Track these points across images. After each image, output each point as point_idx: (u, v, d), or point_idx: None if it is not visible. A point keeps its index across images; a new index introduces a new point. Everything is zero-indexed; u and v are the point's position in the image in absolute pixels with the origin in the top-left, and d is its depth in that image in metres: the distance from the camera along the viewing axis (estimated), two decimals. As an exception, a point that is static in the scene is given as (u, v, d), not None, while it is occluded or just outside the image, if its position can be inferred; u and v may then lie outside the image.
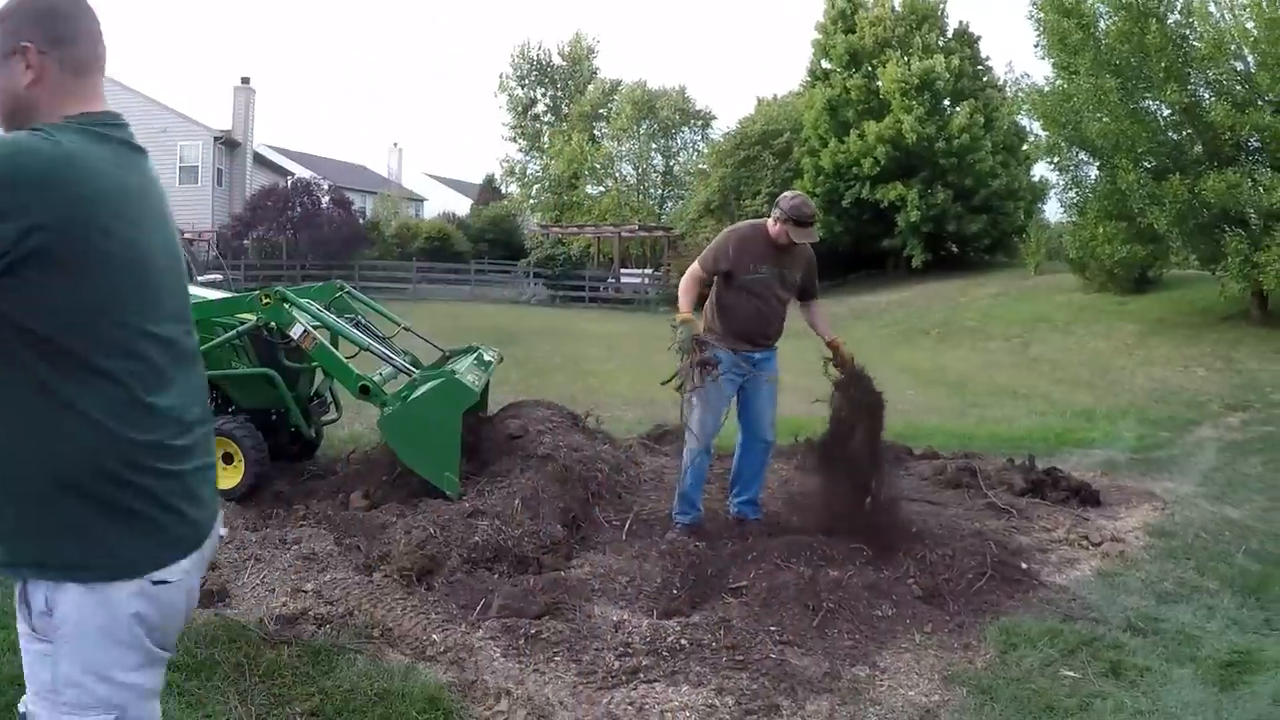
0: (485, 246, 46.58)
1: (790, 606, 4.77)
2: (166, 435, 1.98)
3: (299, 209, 35.08)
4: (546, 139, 58.48)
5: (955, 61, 35.09)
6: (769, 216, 5.90)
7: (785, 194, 5.98)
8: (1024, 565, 5.64)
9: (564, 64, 60.58)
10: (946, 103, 35.82)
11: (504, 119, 61.74)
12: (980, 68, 37.52)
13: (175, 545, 2.02)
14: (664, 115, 51.25)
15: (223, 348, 6.72)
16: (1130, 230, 20.20)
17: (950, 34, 37.88)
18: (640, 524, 6.13)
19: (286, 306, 6.47)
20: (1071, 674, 4.24)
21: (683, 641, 4.42)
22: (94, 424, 1.88)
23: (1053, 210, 34.57)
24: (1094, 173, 21.58)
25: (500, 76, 62.68)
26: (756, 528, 6.00)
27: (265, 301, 6.46)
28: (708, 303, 6.13)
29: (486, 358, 7.66)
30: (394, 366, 6.78)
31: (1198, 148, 19.86)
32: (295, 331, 6.42)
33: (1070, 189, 22.54)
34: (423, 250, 41.44)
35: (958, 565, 5.38)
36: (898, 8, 37.47)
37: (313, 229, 34.71)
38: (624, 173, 54.06)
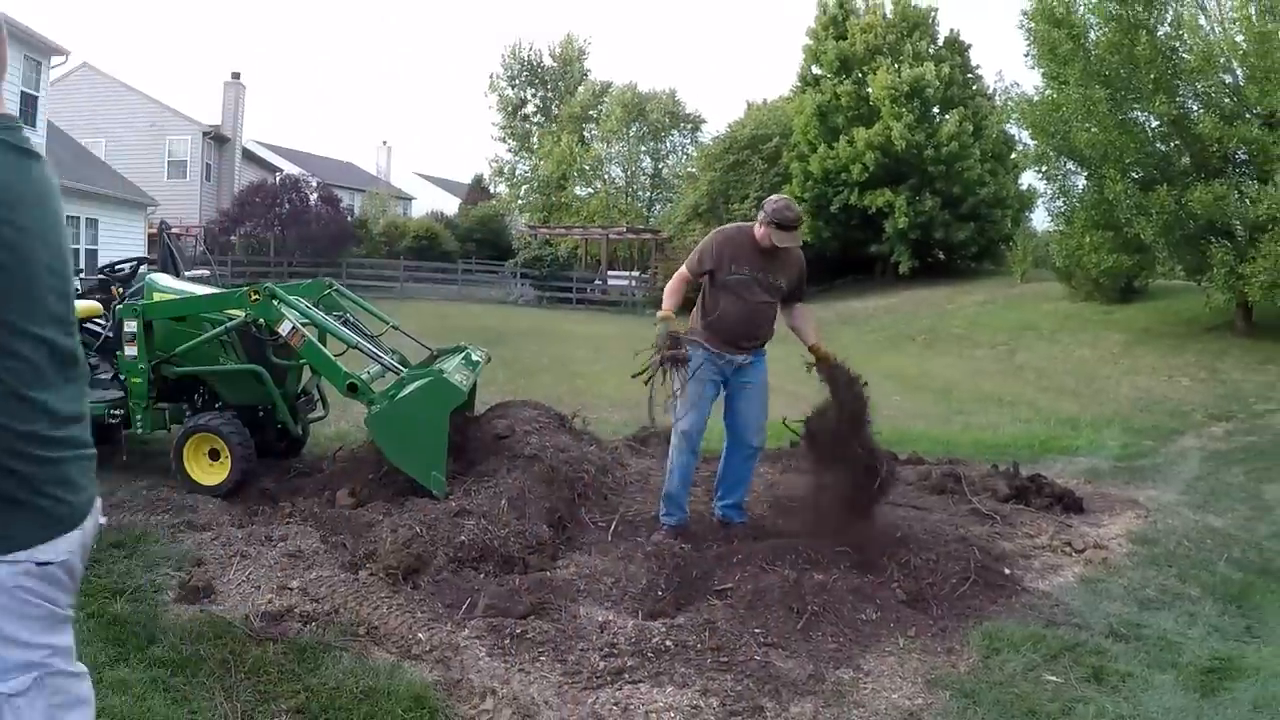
0: (473, 246, 46.51)
1: (775, 609, 4.79)
2: (42, 427, 2.11)
3: (287, 206, 34.99)
4: (536, 140, 58.40)
5: (945, 69, 35.19)
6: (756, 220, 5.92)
7: (771, 197, 5.99)
8: (1007, 571, 5.67)
9: (555, 65, 60.53)
10: (936, 110, 35.92)
11: (494, 119, 61.57)
12: (970, 76, 37.62)
13: (54, 526, 2.15)
14: (654, 118, 51.29)
15: (211, 343, 6.71)
16: (1117, 240, 20.29)
17: (941, 42, 37.98)
18: (626, 525, 6.14)
19: (275, 303, 6.47)
20: (1054, 679, 4.27)
21: (668, 643, 4.43)
22: None
23: (1040, 219, 34.61)
24: (1082, 182, 21.66)
25: (491, 76, 62.71)
26: (742, 530, 6.02)
27: (254, 298, 6.46)
28: (695, 305, 6.14)
29: (474, 357, 7.65)
30: (382, 365, 6.78)
31: (1185, 159, 19.96)
32: (284, 328, 6.42)
33: (1058, 198, 22.62)
34: (410, 249, 41.36)
35: (942, 570, 5.40)
36: (889, 15, 37.56)
37: (300, 226, 34.62)
38: (613, 175, 54.10)
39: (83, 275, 9.76)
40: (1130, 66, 18.83)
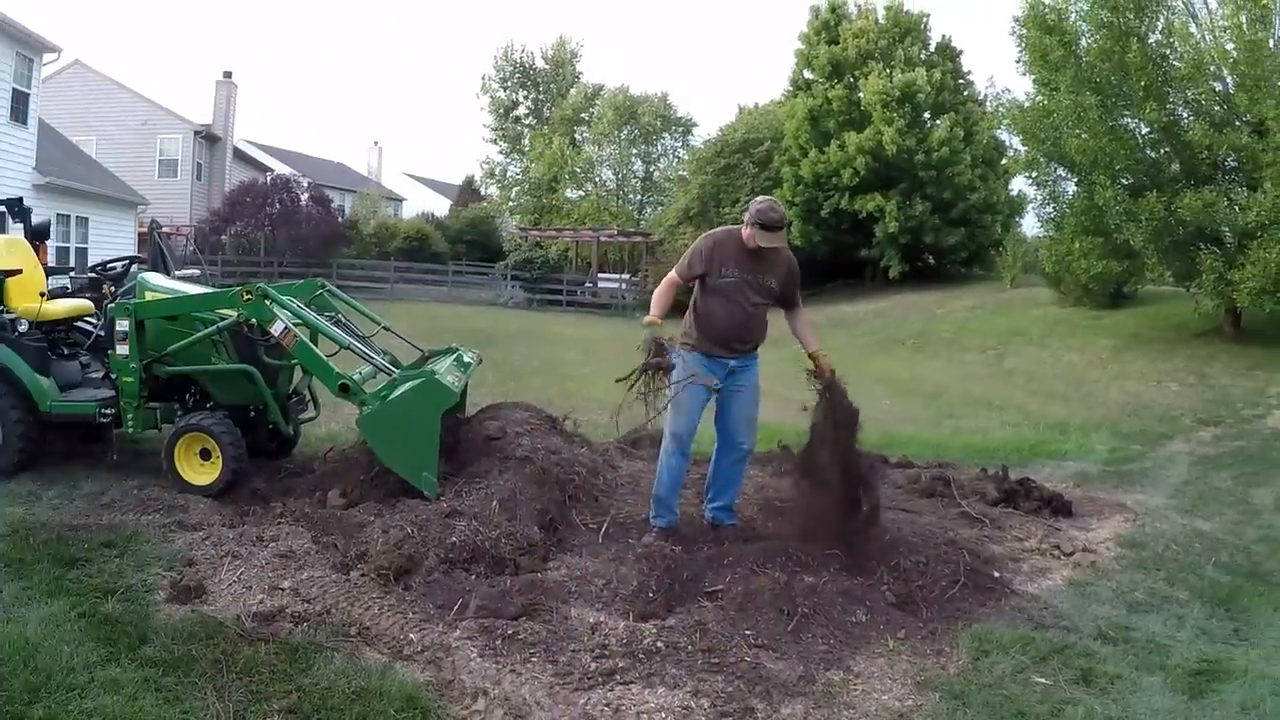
0: (463, 248, 46.43)
1: (765, 611, 4.82)
2: None
3: (278, 206, 34.94)
4: (527, 142, 58.38)
5: (937, 75, 35.24)
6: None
7: (756, 199, 6.00)
8: (996, 574, 5.70)
9: (547, 67, 60.50)
10: (927, 115, 35.96)
11: (485, 121, 61.56)
12: (961, 82, 37.69)
13: None
14: (645, 121, 51.27)
15: (203, 343, 6.71)
16: (1106, 246, 20.35)
17: (933, 47, 38.04)
18: (617, 527, 6.15)
19: (268, 303, 6.47)
20: (1043, 681, 4.29)
21: (659, 644, 4.45)
22: None
23: (1030, 224, 34.72)
24: (1072, 188, 21.71)
25: (483, 78, 62.52)
26: (732, 533, 6.03)
27: (247, 298, 6.46)
28: (688, 308, 6.14)
29: (466, 359, 7.65)
30: (374, 366, 6.77)
31: (1175, 166, 20.02)
32: (276, 328, 6.42)
33: (1048, 204, 22.65)
34: (401, 250, 41.29)
35: (931, 573, 5.43)
36: (881, 20, 37.62)
37: (291, 226, 34.57)
38: (604, 177, 54.06)
39: (73, 274, 9.72)
40: (1121, 73, 18.89)
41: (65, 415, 6.90)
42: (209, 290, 7.39)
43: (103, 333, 7.44)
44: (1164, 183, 19.14)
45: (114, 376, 6.82)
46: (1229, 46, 18.55)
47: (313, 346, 6.57)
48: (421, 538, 5.34)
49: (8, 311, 7.07)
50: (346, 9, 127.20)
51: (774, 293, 6.01)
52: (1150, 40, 19.37)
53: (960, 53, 38.43)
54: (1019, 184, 32.15)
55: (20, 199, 8.56)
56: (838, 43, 37.30)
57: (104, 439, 7.22)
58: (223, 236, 35.07)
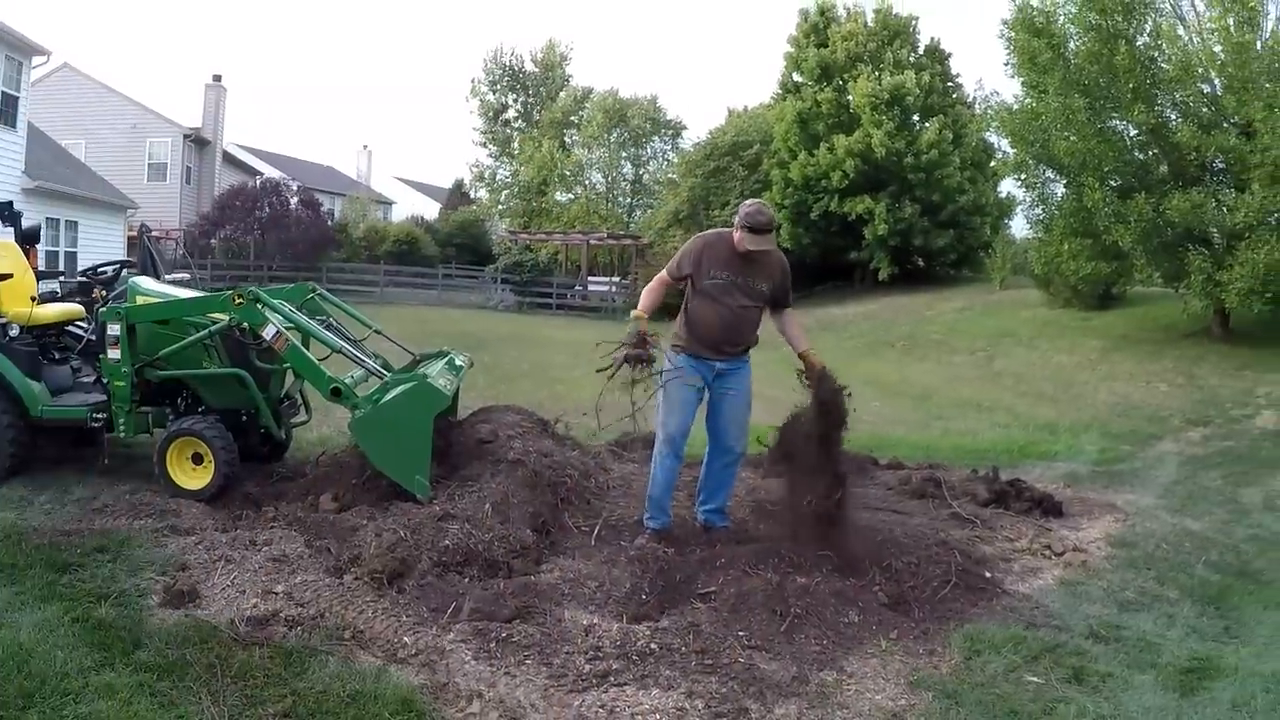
0: (453, 251, 46.42)
1: (758, 612, 4.83)
2: None
3: (267, 209, 34.90)
4: (517, 145, 58.39)
5: (926, 77, 35.33)
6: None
7: (745, 202, 6.01)
8: (988, 574, 5.72)
9: (536, 70, 60.54)
10: (916, 118, 36.05)
11: (475, 124, 61.59)
12: (950, 84, 37.79)
13: None
14: (635, 124, 51.33)
15: (194, 347, 6.70)
16: (1095, 247, 20.40)
17: (921, 50, 38.14)
18: (609, 529, 6.16)
19: (259, 307, 6.47)
20: (1035, 679, 4.31)
21: (652, 646, 4.46)
22: None
23: (1019, 226, 34.87)
24: (1060, 190, 21.75)
25: (472, 81, 62.54)
26: (725, 535, 6.03)
27: (238, 302, 6.46)
28: (679, 311, 6.15)
29: (458, 362, 7.65)
30: (365, 369, 6.77)
31: (1163, 167, 20.09)
32: (268, 332, 6.42)
33: (1037, 206, 22.70)
34: (390, 254, 41.25)
35: (923, 573, 5.45)
36: (870, 23, 37.70)
37: (280, 230, 34.52)
38: (593, 180, 54.13)
39: (63, 278, 9.70)
40: (1109, 76, 18.96)
41: (56, 420, 6.88)
42: (201, 294, 7.39)
43: (94, 337, 7.42)
44: (1152, 184, 19.21)
45: (105, 381, 6.81)
46: (1217, 49, 18.64)
47: (304, 350, 6.56)
48: (414, 541, 5.34)
49: (-1, 316, 7.07)
50: (335, 13, 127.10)
51: (764, 296, 6.00)
52: (1138, 43, 19.44)
53: (949, 55, 38.55)
54: (1008, 186, 32.27)
55: (10, 203, 8.53)
56: (827, 45, 37.39)
57: (95, 444, 7.21)
58: (212, 240, 35.02)
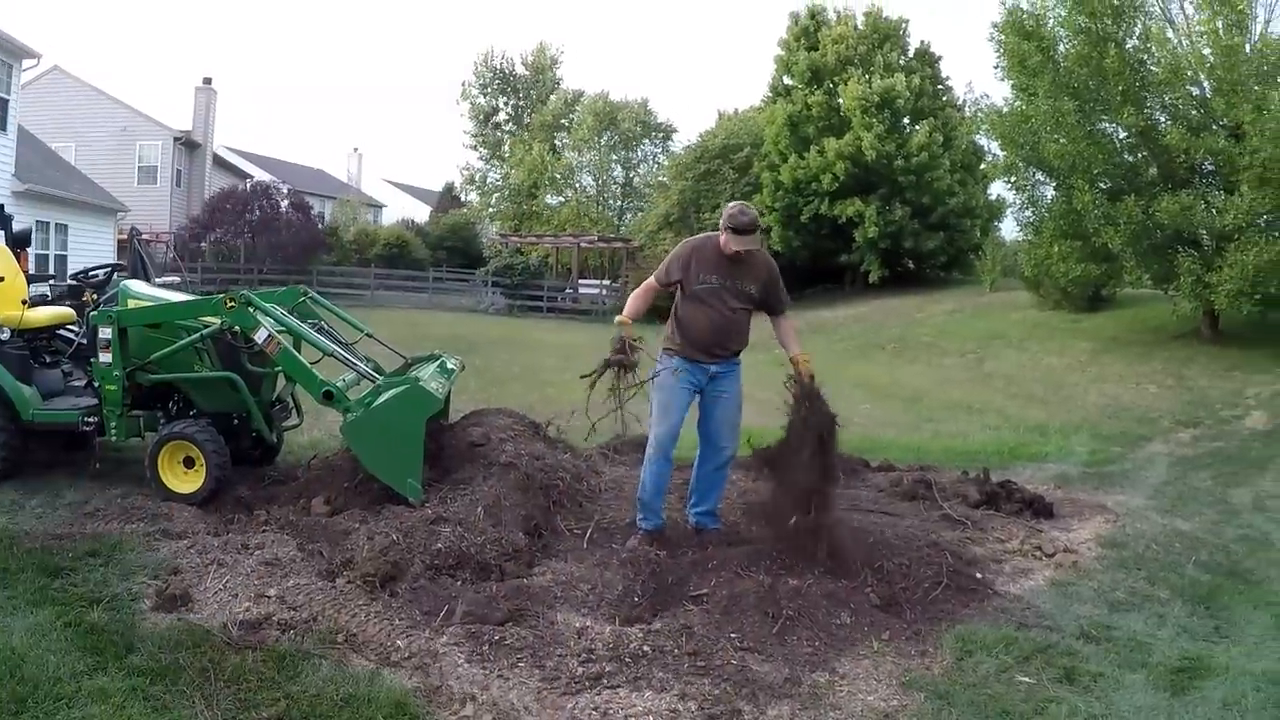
0: (444, 254, 46.33)
1: (750, 614, 4.83)
2: None
3: (258, 212, 34.82)
4: (507, 148, 58.30)
5: (916, 80, 35.43)
6: None
7: (729, 204, 6.02)
8: (979, 575, 5.74)
9: (527, 73, 60.45)
10: (906, 121, 36.13)
11: (465, 127, 61.55)
12: (940, 87, 37.88)
13: None
14: (625, 127, 51.27)
15: (186, 350, 6.69)
16: (1085, 249, 20.47)
17: (911, 53, 38.24)
18: (601, 532, 6.17)
19: (251, 310, 6.46)
20: (1026, 680, 4.33)
21: (645, 648, 4.47)
22: None
23: (1009, 229, 34.84)
24: (1050, 192, 21.82)
25: (463, 84, 62.38)
26: (716, 537, 6.04)
27: (230, 305, 6.45)
28: (670, 315, 6.16)
29: (449, 365, 7.66)
30: (357, 373, 6.77)
31: (1153, 170, 20.18)
32: (259, 336, 6.41)
33: (1027, 208, 22.76)
34: (381, 257, 41.15)
35: (914, 575, 5.47)
36: (860, 26, 37.79)
37: (271, 233, 34.44)
38: (584, 183, 54.03)
39: (54, 282, 9.69)
40: (1099, 79, 19.04)
41: (48, 424, 6.87)
42: (192, 298, 7.38)
43: (85, 341, 7.41)
44: (1142, 186, 19.29)
45: (97, 385, 6.80)
46: (1206, 51, 18.73)
47: (296, 354, 6.56)
48: (407, 544, 5.34)
49: (-11, 320, 7.05)
50: (326, 16, 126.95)
51: (754, 298, 6.01)
52: (1128, 45, 19.52)
53: (939, 58, 38.68)
54: (998, 188, 32.46)
55: (0, 206, 8.52)
56: (817, 49, 37.48)
57: (87, 448, 7.19)
58: (202, 243, 34.91)
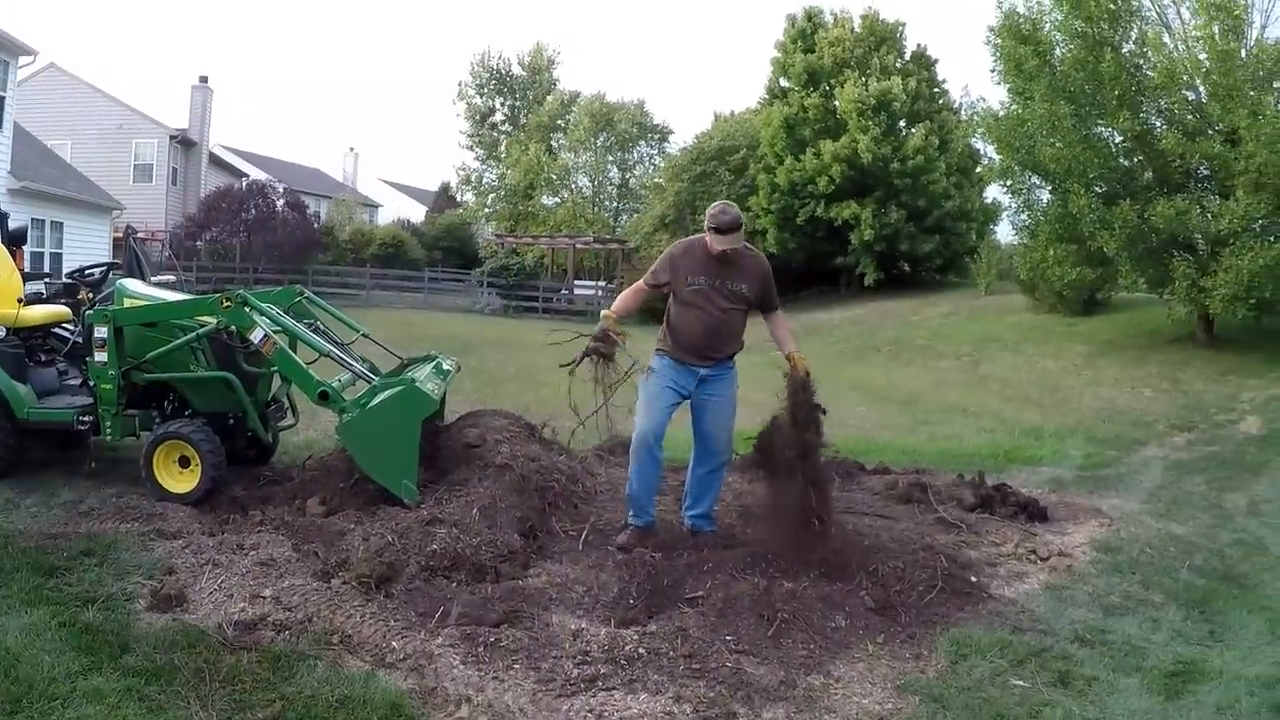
0: (439, 254, 46.34)
1: (746, 616, 4.83)
2: None
3: (253, 211, 34.80)
4: (503, 148, 58.34)
5: (912, 83, 35.51)
6: None
7: (712, 204, 6.02)
8: (974, 578, 5.74)
9: (524, 74, 60.52)
10: (902, 124, 36.23)
11: (461, 127, 61.50)
12: (936, 90, 37.98)
13: None
14: (621, 128, 51.33)
15: (181, 350, 6.68)
16: (1080, 253, 20.53)
17: (908, 56, 38.35)
18: (596, 534, 6.16)
19: (247, 310, 6.46)
20: (1021, 683, 4.33)
21: (640, 650, 4.46)
22: None
23: (1004, 232, 35.04)
24: (1046, 196, 21.90)
25: (459, 84, 62.48)
26: (712, 539, 6.02)
27: (226, 305, 6.45)
28: (663, 318, 6.15)
29: (445, 366, 7.65)
30: (353, 373, 6.76)
31: (1148, 174, 20.24)
32: (255, 336, 6.40)
33: (1022, 212, 22.84)
34: (376, 256, 41.15)
35: (909, 578, 5.47)
36: (857, 29, 37.86)
37: (267, 232, 34.43)
38: (580, 184, 54.11)
39: (49, 279, 9.67)
40: (1095, 83, 19.09)
41: (42, 422, 6.86)
42: (188, 297, 7.37)
43: (80, 339, 7.40)
44: (1137, 191, 19.34)
45: (92, 383, 6.78)
46: (1202, 56, 18.80)
47: (292, 354, 6.55)
48: (402, 545, 5.33)
49: (-16, 318, 7.05)
50: (323, 15, 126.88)
51: (745, 298, 5.96)
52: (1124, 50, 19.58)
53: (935, 62, 38.80)
54: (993, 192, 32.52)
55: (-4, 205, 8.51)
56: (814, 51, 37.56)
57: (82, 446, 7.18)
58: (198, 242, 34.91)
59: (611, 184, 54.09)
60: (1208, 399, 15.56)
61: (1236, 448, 11.80)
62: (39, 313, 7.53)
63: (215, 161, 43.32)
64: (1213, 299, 17.66)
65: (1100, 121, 19.87)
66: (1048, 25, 20.45)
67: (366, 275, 37.28)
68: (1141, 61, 19.64)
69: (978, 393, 17.34)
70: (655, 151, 53.51)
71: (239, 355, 6.75)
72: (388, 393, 6.20)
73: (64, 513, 6.15)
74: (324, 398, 6.27)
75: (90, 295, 8.00)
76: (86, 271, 8.56)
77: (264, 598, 4.84)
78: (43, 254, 24.50)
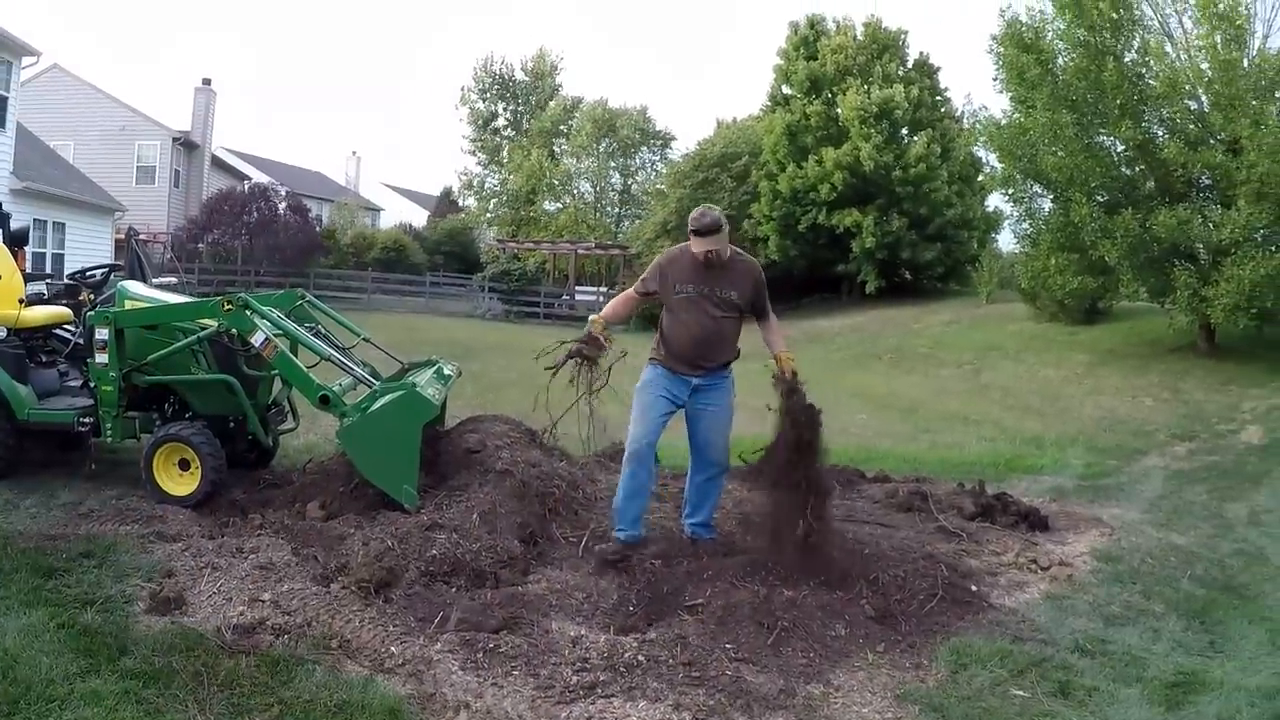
0: (441, 259, 46.35)
1: (745, 625, 4.83)
2: None
3: (255, 214, 34.80)
4: (506, 153, 58.36)
5: (914, 91, 35.49)
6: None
7: (695, 209, 6.01)
8: (974, 587, 5.73)
9: (526, 79, 60.57)
10: (904, 132, 36.18)
11: (464, 132, 61.56)
12: (939, 98, 37.93)
13: None
14: (624, 134, 51.31)
15: (182, 353, 6.68)
16: (1082, 262, 20.51)
17: (911, 64, 38.32)
18: (597, 541, 6.12)
19: (248, 313, 6.46)
20: (1021, 693, 4.32)
21: (640, 658, 4.46)
22: None
23: (1006, 240, 34.91)
24: (1048, 205, 21.85)
25: (462, 89, 62.50)
26: (712, 547, 6.00)
27: (227, 308, 6.45)
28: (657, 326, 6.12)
29: (446, 371, 7.65)
30: (354, 377, 6.76)
31: (1150, 183, 20.24)
32: (257, 339, 6.41)
33: (1024, 220, 22.79)
34: (378, 260, 41.15)
35: (909, 587, 5.46)
36: (860, 37, 37.87)
37: (268, 235, 34.44)
38: (582, 190, 54.06)
39: (50, 280, 9.67)
40: (1097, 92, 19.08)
41: (43, 424, 6.86)
42: (190, 299, 7.37)
43: (81, 341, 7.41)
44: (1139, 200, 19.34)
45: (92, 385, 6.78)
46: (1204, 66, 18.80)
47: (293, 357, 6.55)
48: (402, 550, 5.33)
49: (-15, 319, 7.05)
50: (326, 18, 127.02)
51: (736, 304, 5.90)
52: (1126, 59, 19.58)
53: (938, 69, 38.75)
54: (995, 200, 32.38)
55: (-2, 204, 8.52)
56: (816, 58, 37.54)
57: (82, 448, 7.18)
58: (200, 244, 34.92)
59: (613, 190, 54.08)
60: (1209, 408, 15.55)
61: (1237, 457, 11.79)
62: (40, 314, 7.53)
63: (218, 164, 43.37)
64: (1214, 308, 17.65)
65: (1102, 130, 19.86)
66: (1050, 34, 20.45)
67: (368, 279, 37.26)
68: (1144, 71, 19.64)
69: (979, 401, 17.33)
70: (657, 158, 53.50)
71: (240, 358, 6.76)
72: (388, 397, 6.19)
73: (63, 514, 6.15)
74: (325, 402, 6.27)
75: (91, 297, 8.01)
76: (88, 273, 8.57)
77: (263, 601, 4.84)
78: (45, 255, 24.52)
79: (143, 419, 6.98)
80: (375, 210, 60.09)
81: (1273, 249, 17.61)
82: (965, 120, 30.48)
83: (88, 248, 26.39)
